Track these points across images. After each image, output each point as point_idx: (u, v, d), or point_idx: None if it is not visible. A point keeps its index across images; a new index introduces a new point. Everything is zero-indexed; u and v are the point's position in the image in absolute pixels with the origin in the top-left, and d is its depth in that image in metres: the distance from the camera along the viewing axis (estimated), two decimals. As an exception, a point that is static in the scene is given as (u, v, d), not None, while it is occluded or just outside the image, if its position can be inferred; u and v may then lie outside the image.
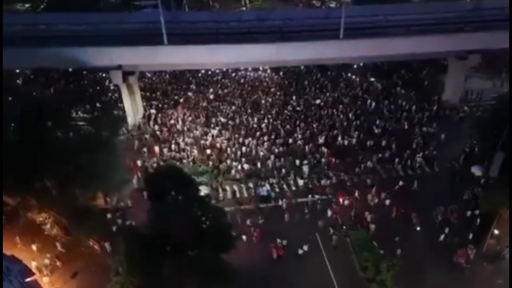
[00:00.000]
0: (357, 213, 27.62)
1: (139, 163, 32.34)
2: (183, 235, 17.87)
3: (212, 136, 35.76)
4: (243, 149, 34.08)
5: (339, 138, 34.94)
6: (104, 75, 42.24)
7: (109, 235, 25.40)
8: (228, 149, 34.05)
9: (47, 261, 24.56)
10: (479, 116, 35.72)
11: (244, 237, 25.89)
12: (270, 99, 41.59)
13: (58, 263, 24.73)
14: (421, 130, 36.01)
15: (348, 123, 37.13)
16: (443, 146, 34.19)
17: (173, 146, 34.47)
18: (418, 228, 26.42)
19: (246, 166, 32.24)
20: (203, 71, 46.63)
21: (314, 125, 36.87)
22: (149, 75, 46.91)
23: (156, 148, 33.98)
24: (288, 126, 37.01)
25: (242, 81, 45.85)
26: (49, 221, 26.02)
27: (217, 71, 46.97)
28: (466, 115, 38.20)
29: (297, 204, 28.99)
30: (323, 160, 32.79)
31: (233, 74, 47.03)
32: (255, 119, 37.99)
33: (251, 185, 30.83)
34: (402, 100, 40.69)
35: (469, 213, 27.20)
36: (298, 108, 39.92)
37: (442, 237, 25.70)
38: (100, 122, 30.73)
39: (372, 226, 26.42)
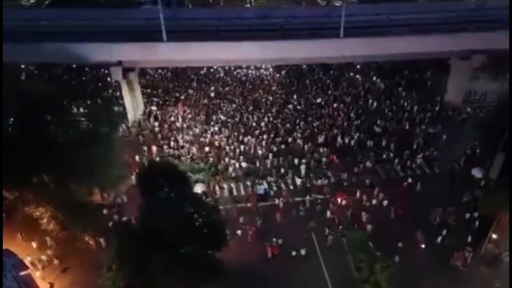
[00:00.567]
0: (354, 213, 27.38)
1: (137, 159, 32.36)
2: (174, 232, 17.79)
3: (212, 133, 35.71)
4: (242, 147, 33.96)
5: (339, 138, 34.68)
6: (106, 71, 42.38)
7: (104, 230, 25.43)
8: (227, 147, 33.96)
9: (43, 257, 24.60)
10: (482, 118, 35.27)
11: (239, 235, 25.84)
12: (271, 98, 41.45)
13: (55, 261, 24.73)
14: (422, 131, 35.64)
15: (348, 123, 36.88)
16: (444, 147, 33.80)
17: (172, 143, 34.47)
18: (423, 246, 25.41)
19: (244, 164, 32.13)
20: (204, 69, 46.64)
21: (315, 124, 36.68)
22: (151, 72, 47.02)
23: (154, 146, 33.94)
24: (288, 125, 36.84)
25: (243, 79, 45.76)
26: (46, 215, 26.13)
27: (219, 69, 46.96)
28: (469, 116, 37.77)
29: (294, 203, 28.82)
30: (323, 159, 32.56)
31: (235, 72, 46.96)
32: (255, 118, 37.86)
33: (248, 183, 30.73)
34: (404, 100, 40.37)
35: (467, 215, 26.82)
36: (298, 107, 39.76)
37: (439, 239, 25.39)
38: (99, 118, 30.77)
39: (369, 227, 26.17)
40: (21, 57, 34.98)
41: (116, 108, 39.12)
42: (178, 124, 37.33)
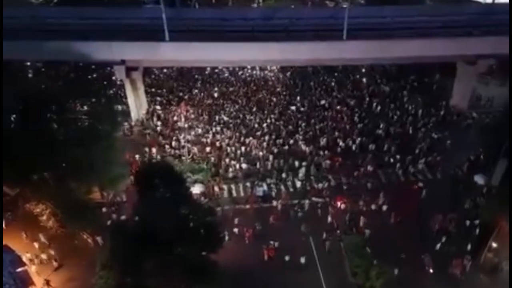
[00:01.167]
0: (353, 217, 27.11)
1: (138, 158, 32.47)
2: (168, 232, 17.78)
3: (213, 134, 35.70)
4: (243, 148, 33.90)
5: (340, 141, 34.40)
6: (111, 70, 42.60)
7: (102, 229, 25.52)
8: (228, 148, 33.91)
9: (43, 256, 24.74)
10: (486, 123, 34.71)
11: (236, 236, 25.75)
12: (274, 99, 41.33)
13: (53, 261, 24.87)
14: (426, 135, 35.20)
15: (351, 126, 36.58)
16: (448, 153, 33.33)
17: (173, 143, 34.53)
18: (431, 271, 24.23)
19: (244, 165, 32.06)
20: (209, 69, 46.65)
21: (317, 127, 36.46)
22: (156, 71, 47.19)
23: (156, 145, 34.02)
24: (290, 127, 36.68)
25: (248, 79, 45.70)
26: (46, 212, 26.33)
27: (224, 69, 46.93)
28: (475, 121, 37.21)
29: (293, 205, 28.65)
30: (326, 161, 32.26)
31: (240, 73, 46.91)
32: (257, 119, 37.76)
33: (248, 184, 30.65)
34: (409, 104, 39.92)
35: (468, 222, 26.40)
36: (302, 109, 39.58)
37: (438, 246, 25.03)
38: (101, 116, 30.97)
39: (367, 232, 25.91)
40: (26, 55, 35.32)
41: (119, 107, 39.34)
42: (180, 124, 37.41)
